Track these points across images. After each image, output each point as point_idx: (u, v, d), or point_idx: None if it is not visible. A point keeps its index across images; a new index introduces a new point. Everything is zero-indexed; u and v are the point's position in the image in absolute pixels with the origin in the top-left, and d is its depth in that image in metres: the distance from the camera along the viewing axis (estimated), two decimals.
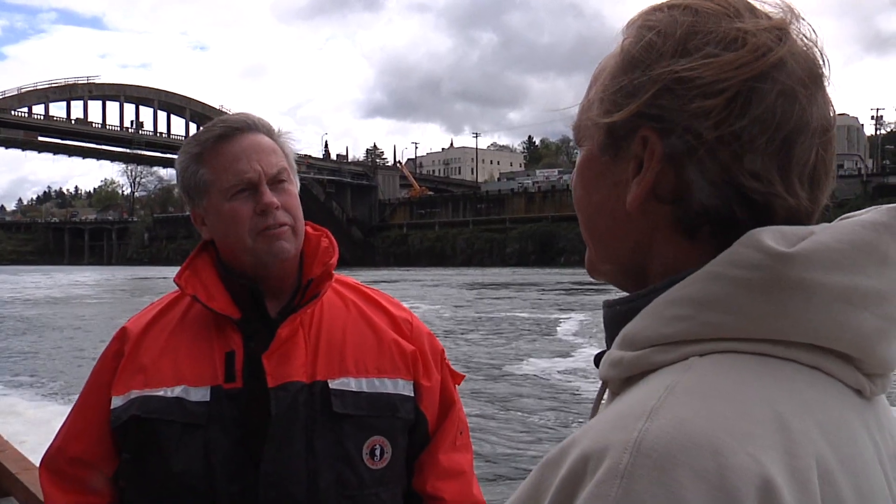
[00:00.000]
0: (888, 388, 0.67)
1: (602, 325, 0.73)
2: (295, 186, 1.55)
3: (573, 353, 15.91)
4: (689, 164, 0.65)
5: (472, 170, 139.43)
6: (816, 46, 0.67)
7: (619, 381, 0.65)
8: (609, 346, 0.69)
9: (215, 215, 1.51)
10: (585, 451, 0.56)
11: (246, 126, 1.52)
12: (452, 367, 1.69)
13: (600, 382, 0.70)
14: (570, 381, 12.80)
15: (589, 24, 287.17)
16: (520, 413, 10.76)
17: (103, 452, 1.51)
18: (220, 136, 1.50)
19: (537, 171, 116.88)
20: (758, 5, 0.68)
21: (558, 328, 20.72)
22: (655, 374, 0.61)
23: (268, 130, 1.54)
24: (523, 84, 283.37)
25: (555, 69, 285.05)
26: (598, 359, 0.71)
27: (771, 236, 0.61)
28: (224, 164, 1.48)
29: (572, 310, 26.26)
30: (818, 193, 0.68)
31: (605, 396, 0.69)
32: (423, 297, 33.92)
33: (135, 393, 1.47)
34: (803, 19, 0.68)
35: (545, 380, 13.07)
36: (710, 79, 0.63)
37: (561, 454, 0.60)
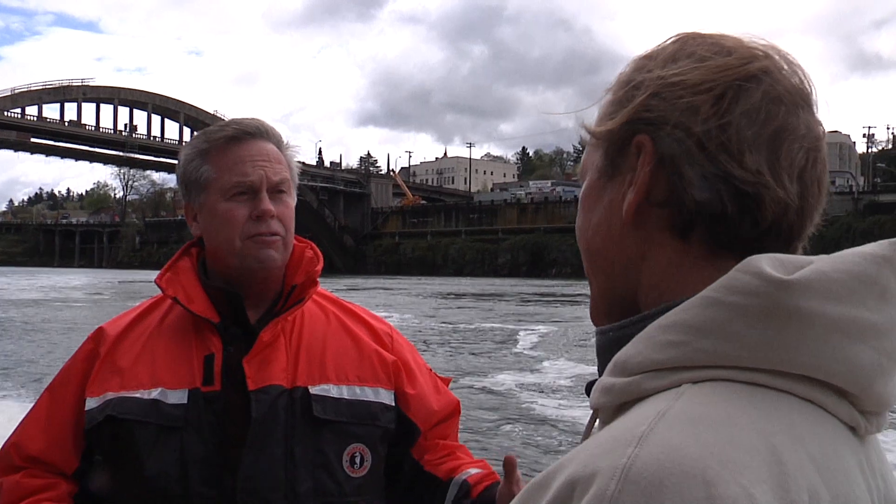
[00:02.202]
0: (883, 428, 0.65)
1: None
2: (293, 200, 1.55)
3: (537, 368, 15.70)
4: (679, 160, 0.66)
5: (466, 180, 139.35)
6: (803, 71, 0.69)
7: (611, 410, 0.64)
8: (601, 374, 0.68)
9: (210, 213, 1.51)
10: (573, 477, 0.55)
11: (258, 132, 1.52)
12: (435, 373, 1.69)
13: (591, 411, 0.69)
14: (532, 398, 12.56)
15: (578, 38, 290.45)
16: (481, 428, 10.51)
17: (65, 453, 1.48)
18: (231, 138, 1.51)
19: (530, 183, 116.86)
20: (746, 40, 0.70)
21: (520, 341, 20.40)
22: (647, 400, 0.60)
23: (277, 141, 1.55)
24: (514, 96, 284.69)
25: (544, 82, 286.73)
26: (589, 388, 0.70)
27: (769, 263, 0.60)
28: (228, 165, 1.49)
29: (535, 322, 26.07)
30: (809, 197, 0.68)
31: (596, 426, 0.68)
32: (390, 304, 33.54)
33: (111, 394, 1.45)
34: (790, 56, 0.69)
35: (508, 396, 12.76)
36: (697, 79, 0.66)
37: (547, 478, 0.59)
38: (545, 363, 16.23)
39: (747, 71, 0.66)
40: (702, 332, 0.60)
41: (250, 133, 1.52)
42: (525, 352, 18.36)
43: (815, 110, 0.69)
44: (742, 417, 0.56)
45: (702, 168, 0.65)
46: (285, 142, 1.57)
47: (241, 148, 1.50)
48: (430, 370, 1.68)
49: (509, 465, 1.43)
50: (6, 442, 1.53)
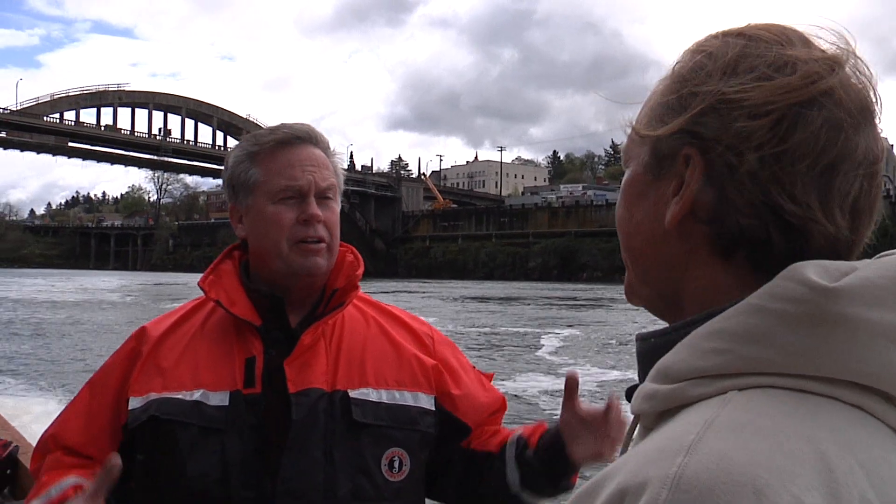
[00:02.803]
0: None
1: (635, 357, 0.71)
2: (338, 206, 1.56)
3: (561, 372, 15.60)
4: (728, 184, 0.64)
5: (496, 183, 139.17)
6: (870, 83, 0.67)
7: (653, 416, 0.64)
8: (642, 380, 0.68)
9: (256, 215, 1.51)
10: (622, 486, 0.55)
11: (308, 137, 1.53)
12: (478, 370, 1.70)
13: (632, 416, 0.69)
14: (556, 402, 12.50)
15: (608, 42, 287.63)
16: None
17: (102, 449, 1.48)
18: (281, 142, 1.51)
19: (561, 186, 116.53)
20: (813, 39, 0.67)
21: (545, 345, 20.37)
22: (692, 408, 0.60)
23: (325, 147, 1.56)
24: (543, 100, 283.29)
25: (574, 86, 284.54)
26: (629, 392, 0.70)
27: (814, 270, 0.59)
28: (277, 168, 1.50)
29: (561, 326, 25.98)
30: (860, 226, 0.66)
31: (637, 431, 0.69)
32: (418, 307, 33.49)
33: (153, 395, 1.46)
34: (859, 57, 0.67)
35: (531, 399, 12.72)
36: (756, 101, 0.63)
37: (595, 487, 0.58)
38: (570, 367, 16.06)
39: (809, 93, 0.63)
40: (746, 339, 0.60)
41: (300, 138, 1.52)
42: (549, 356, 18.30)
43: (876, 122, 0.66)
44: (790, 425, 0.56)
45: (750, 195, 0.64)
46: (332, 148, 1.58)
47: (291, 152, 1.51)
48: (474, 368, 1.68)
49: (572, 381, 1.45)
50: (44, 432, 1.55)
